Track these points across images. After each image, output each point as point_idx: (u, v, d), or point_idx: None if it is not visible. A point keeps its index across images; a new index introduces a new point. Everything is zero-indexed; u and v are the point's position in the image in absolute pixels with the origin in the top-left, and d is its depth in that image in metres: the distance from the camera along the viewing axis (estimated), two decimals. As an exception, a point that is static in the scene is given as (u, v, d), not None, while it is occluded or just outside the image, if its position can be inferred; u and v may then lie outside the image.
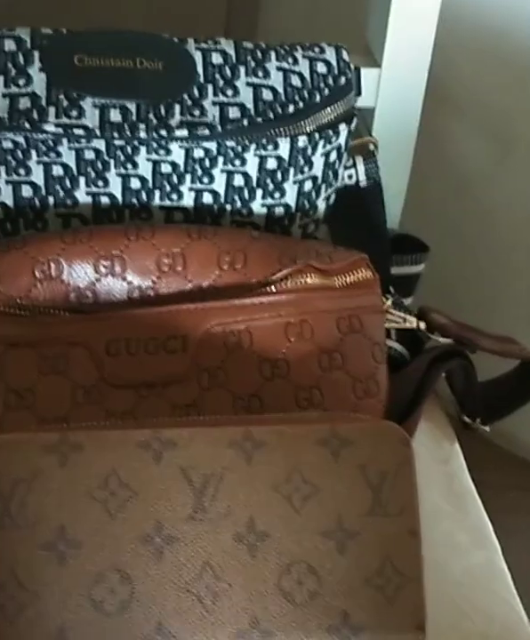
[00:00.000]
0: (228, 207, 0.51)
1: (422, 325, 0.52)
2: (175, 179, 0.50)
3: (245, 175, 0.51)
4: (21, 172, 0.49)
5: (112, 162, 0.49)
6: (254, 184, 0.51)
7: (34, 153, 0.48)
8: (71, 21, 0.50)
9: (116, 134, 0.48)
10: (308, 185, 0.52)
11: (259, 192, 0.51)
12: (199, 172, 0.50)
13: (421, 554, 0.41)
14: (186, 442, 0.39)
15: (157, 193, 0.51)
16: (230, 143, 0.49)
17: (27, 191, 0.50)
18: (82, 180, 0.50)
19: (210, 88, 0.49)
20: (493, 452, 0.92)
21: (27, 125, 0.47)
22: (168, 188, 0.50)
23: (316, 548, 0.39)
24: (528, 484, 0.92)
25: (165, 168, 0.50)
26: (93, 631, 0.37)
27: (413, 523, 0.41)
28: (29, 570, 0.38)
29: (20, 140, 0.48)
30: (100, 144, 0.48)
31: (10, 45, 0.48)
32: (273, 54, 0.50)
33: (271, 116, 0.49)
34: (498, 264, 0.85)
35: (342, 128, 0.51)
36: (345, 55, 0.51)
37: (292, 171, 0.51)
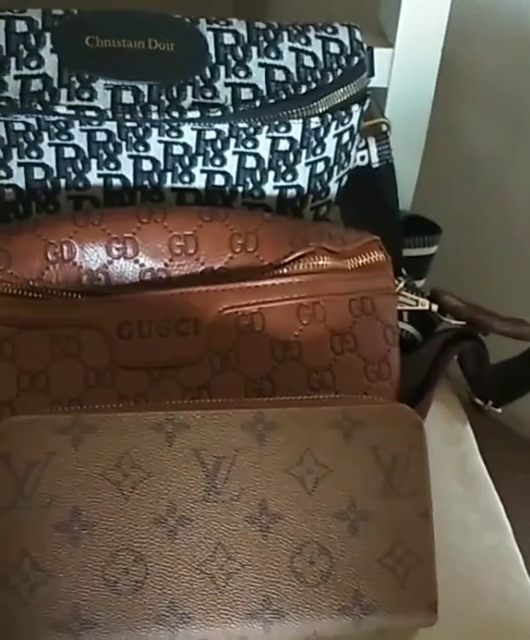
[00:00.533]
0: (240, 189, 0.51)
1: (435, 307, 0.52)
2: (187, 160, 0.50)
3: (257, 157, 0.51)
4: (33, 154, 0.49)
5: (124, 144, 0.49)
6: (266, 166, 0.51)
7: (45, 135, 0.48)
8: (82, 3, 0.50)
9: (127, 116, 0.48)
10: (320, 166, 0.52)
11: (271, 174, 0.51)
12: (211, 153, 0.50)
13: (432, 535, 0.42)
14: (198, 424, 0.40)
15: (169, 175, 0.51)
16: (242, 125, 0.49)
17: (38, 173, 0.50)
18: (94, 162, 0.50)
19: (222, 69, 0.49)
20: (504, 434, 0.92)
21: (38, 107, 0.47)
22: (180, 169, 0.51)
23: (328, 530, 0.40)
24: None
25: (177, 150, 0.50)
26: (107, 610, 0.38)
27: (424, 504, 0.42)
28: (43, 550, 0.38)
29: (32, 121, 0.48)
30: (112, 126, 0.48)
31: (21, 26, 0.48)
32: (285, 34, 0.50)
33: (283, 96, 0.49)
34: (511, 246, 0.84)
35: (355, 109, 0.51)
36: (358, 35, 0.51)
37: (304, 152, 0.51)
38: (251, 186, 0.51)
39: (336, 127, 0.51)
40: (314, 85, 0.50)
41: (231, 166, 0.51)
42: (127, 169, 0.50)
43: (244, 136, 0.50)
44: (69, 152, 0.49)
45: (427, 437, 0.42)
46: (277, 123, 0.49)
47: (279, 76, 0.49)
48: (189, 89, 0.48)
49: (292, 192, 0.52)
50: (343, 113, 0.50)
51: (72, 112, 0.47)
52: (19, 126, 0.48)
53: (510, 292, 0.82)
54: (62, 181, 0.50)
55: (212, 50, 0.49)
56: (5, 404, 0.44)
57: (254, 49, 0.49)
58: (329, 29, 0.51)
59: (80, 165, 0.50)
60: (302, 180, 0.52)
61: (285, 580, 0.39)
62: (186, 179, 0.51)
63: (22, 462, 0.39)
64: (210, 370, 0.45)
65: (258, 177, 0.51)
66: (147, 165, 0.50)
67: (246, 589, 0.39)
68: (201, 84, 0.48)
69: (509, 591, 0.45)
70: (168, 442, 0.39)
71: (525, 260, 0.84)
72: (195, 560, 0.39)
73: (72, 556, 0.38)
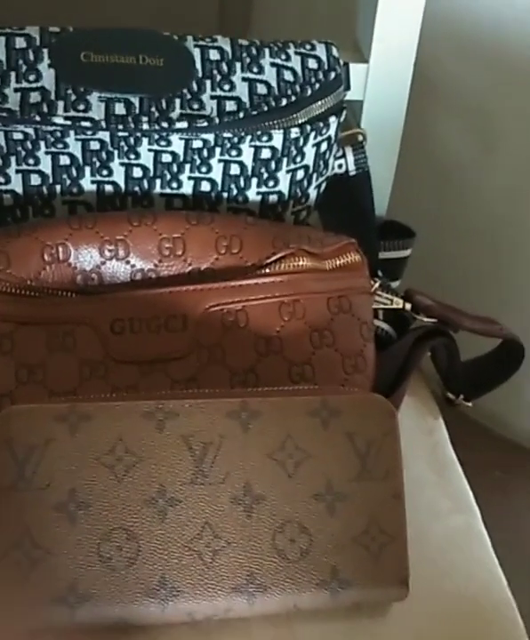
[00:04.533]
0: (225, 195, 0.53)
1: (408, 306, 0.54)
2: (175, 168, 0.52)
3: (241, 164, 0.52)
4: (30, 161, 0.50)
5: (116, 152, 0.51)
6: (249, 173, 0.52)
7: (42, 144, 0.50)
8: (70, 22, 0.51)
9: (120, 126, 0.49)
10: (300, 174, 0.54)
11: (254, 180, 0.53)
12: (198, 161, 0.51)
13: (404, 515, 0.43)
14: (187, 412, 0.41)
15: (158, 181, 0.52)
16: (227, 134, 0.50)
17: (35, 180, 0.51)
18: (87, 170, 0.51)
19: (208, 83, 0.50)
20: (477, 432, 0.93)
21: (37, 118, 0.48)
22: (168, 176, 0.52)
23: (307, 510, 0.42)
24: (512, 464, 0.93)
25: (166, 158, 0.51)
26: (102, 584, 0.40)
27: (397, 487, 0.43)
28: (42, 529, 0.40)
29: (30, 131, 0.49)
30: (105, 135, 0.50)
31: (20, 43, 0.49)
32: (267, 51, 0.51)
33: (265, 108, 0.50)
34: (481, 248, 0.86)
35: (332, 120, 0.53)
36: (335, 52, 0.52)
37: (285, 160, 0.52)
38: (235, 192, 0.53)
39: (315, 137, 0.52)
40: (294, 98, 0.51)
41: (217, 173, 0.52)
42: (119, 176, 0.51)
43: (228, 145, 0.51)
44: (65, 160, 0.51)
45: (401, 428, 0.44)
46: (259, 133, 0.51)
47: (261, 89, 0.51)
48: (178, 101, 0.50)
49: (273, 198, 0.54)
50: (321, 124, 0.52)
51: (68, 123, 0.48)
52: (17, 136, 0.49)
53: (481, 292, 0.84)
54: (58, 187, 0.51)
55: (198, 65, 0.50)
56: (6, 395, 0.45)
57: (238, 64, 0.51)
58: (308, 46, 0.52)
59: (75, 172, 0.51)
60: (283, 186, 0.53)
61: (268, 557, 0.41)
62: (174, 185, 0.52)
63: (23, 447, 0.40)
64: (197, 363, 0.47)
65: (242, 183, 0.53)
66: (137, 172, 0.52)
67: (232, 565, 0.41)
68: (188, 96, 0.50)
69: (475, 570, 0.47)
70: (158, 429, 0.41)
71: (494, 262, 0.86)
72: (183, 538, 0.40)
73: (69, 535, 0.40)
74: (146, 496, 0.41)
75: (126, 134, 0.50)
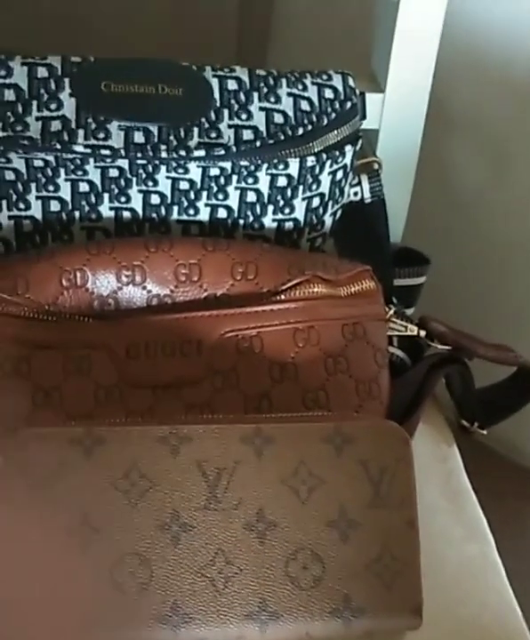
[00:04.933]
0: (241, 222, 0.53)
1: (422, 333, 0.54)
2: (192, 195, 0.52)
3: (258, 192, 0.53)
4: (50, 188, 0.51)
5: (134, 179, 0.51)
6: (266, 200, 0.53)
7: (62, 171, 0.50)
8: (87, 50, 0.52)
9: (139, 154, 0.50)
10: (315, 201, 0.54)
11: (270, 208, 0.53)
12: (215, 189, 0.52)
13: (418, 544, 0.43)
14: (201, 437, 0.41)
15: (175, 208, 0.53)
16: (244, 163, 0.51)
17: (55, 206, 0.52)
18: (106, 196, 0.52)
19: (226, 112, 0.51)
20: (492, 459, 0.92)
21: (57, 146, 0.49)
22: (185, 203, 0.53)
23: (320, 537, 0.41)
24: (527, 492, 0.93)
25: (183, 185, 0.52)
26: (113, 609, 0.39)
27: (411, 514, 0.43)
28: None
29: (51, 159, 0.50)
30: (124, 163, 0.50)
31: (42, 72, 0.50)
32: (284, 81, 0.52)
33: (282, 137, 0.51)
34: (496, 276, 0.86)
35: (348, 149, 0.53)
36: (351, 82, 0.53)
37: (301, 188, 0.53)
38: (251, 219, 0.53)
39: (331, 165, 0.53)
40: (310, 127, 0.52)
41: (233, 201, 0.53)
42: (137, 203, 0.52)
43: (245, 173, 0.52)
44: (84, 187, 0.51)
45: (415, 455, 0.44)
46: (275, 161, 0.51)
47: (278, 118, 0.51)
48: (196, 130, 0.50)
49: (289, 225, 0.54)
50: (337, 152, 0.53)
51: (88, 151, 0.49)
52: (38, 163, 0.50)
53: (496, 320, 0.84)
54: (77, 214, 0.52)
55: (217, 95, 0.51)
56: (22, 418, 0.45)
57: (256, 94, 0.51)
58: (324, 76, 0.53)
59: (93, 199, 0.52)
60: (299, 213, 0.54)
61: (280, 584, 0.41)
62: (191, 212, 0.53)
63: (37, 470, 0.40)
64: (212, 388, 0.47)
65: (258, 211, 0.53)
66: (155, 199, 0.52)
67: (244, 592, 0.40)
68: (206, 125, 0.51)
69: (490, 598, 0.46)
70: (173, 454, 0.41)
71: (509, 289, 0.86)
72: (196, 564, 0.40)
73: (82, 559, 0.39)
74: (159, 521, 0.41)
75: (145, 162, 0.51)
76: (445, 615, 0.45)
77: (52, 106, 0.50)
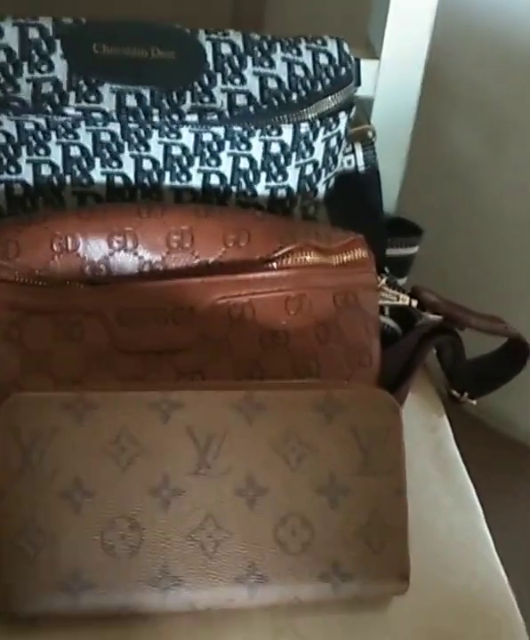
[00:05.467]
0: (234, 189, 0.53)
1: (414, 303, 0.54)
2: (185, 161, 0.52)
3: (250, 159, 0.52)
4: (41, 152, 0.51)
5: (126, 144, 0.51)
6: (259, 167, 0.53)
7: (53, 134, 0.50)
8: (84, 14, 0.51)
9: (131, 118, 0.49)
10: (309, 169, 0.54)
11: (263, 175, 0.53)
12: (207, 155, 0.52)
13: (406, 511, 0.44)
14: (192, 403, 0.42)
15: (168, 174, 0.52)
16: (237, 128, 0.51)
17: (46, 170, 0.51)
18: (97, 161, 0.51)
19: (219, 77, 0.51)
20: (482, 431, 0.93)
21: (48, 108, 0.49)
22: (178, 169, 0.52)
23: (309, 503, 0.42)
24: (517, 463, 0.94)
25: (176, 151, 0.52)
26: (105, 572, 0.40)
27: (399, 482, 0.43)
28: (47, 516, 0.40)
29: (42, 122, 0.49)
30: (116, 127, 0.50)
31: (34, 34, 0.49)
32: (278, 46, 0.52)
33: (276, 103, 0.51)
34: (489, 247, 0.86)
35: (342, 116, 0.53)
36: (346, 48, 0.53)
37: (294, 155, 0.53)
38: (244, 186, 0.53)
39: (324, 132, 0.53)
40: (304, 93, 0.51)
41: (226, 167, 0.52)
42: (129, 168, 0.52)
43: (238, 139, 0.51)
44: (75, 151, 0.51)
45: (405, 425, 0.44)
46: (269, 127, 0.51)
47: (272, 84, 0.51)
48: (189, 94, 0.50)
49: (282, 192, 0.54)
50: (331, 119, 0.52)
51: (79, 113, 0.49)
52: (29, 126, 0.50)
53: (487, 290, 0.85)
54: (68, 178, 0.52)
55: (210, 59, 0.51)
56: (12, 383, 0.45)
57: (249, 59, 0.51)
58: (319, 42, 0.52)
59: (85, 163, 0.51)
60: (292, 181, 0.54)
61: (269, 549, 0.41)
62: (183, 178, 0.53)
63: (29, 434, 0.40)
64: (203, 355, 0.47)
65: (251, 177, 0.53)
66: (147, 165, 0.52)
67: (233, 556, 0.41)
68: (199, 89, 0.50)
69: (478, 567, 0.47)
70: (163, 419, 0.41)
71: (501, 260, 0.87)
72: (186, 528, 0.41)
73: (73, 522, 0.40)
74: (150, 486, 0.41)
75: (137, 126, 0.50)
76: (434, 583, 0.46)
77: (43, 68, 0.49)
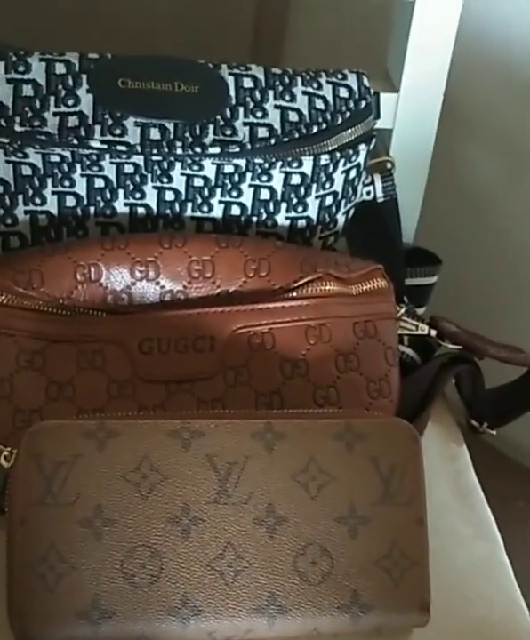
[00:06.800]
0: (255, 219, 0.54)
1: (433, 333, 0.54)
2: (206, 192, 0.53)
3: (271, 190, 0.53)
4: (66, 183, 0.52)
5: (149, 176, 0.52)
6: (279, 198, 0.53)
7: (78, 166, 0.51)
8: (104, 49, 0.52)
9: (154, 151, 0.50)
10: (329, 200, 0.54)
11: (283, 205, 0.54)
12: (229, 186, 0.53)
13: (426, 541, 0.43)
14: (212, 432, 0.42)
15: (189, 205, 0.53)
16: (258, 160, 0.51)
17: (70, 201, 0.52)
18: (121, 192, 0.52)
19: (241, 110, 0.51)
20: (502, 462, 0.92)
21: (74, 141, 0.50)
22: (199, 200, 0.53)
23: (329, 533, 0.42)
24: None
25: (198, 182, 0.52)
26: (124, 601, 0.40)
27: (420, 512, 0.43)
28: (68, 543, 0.40)
29: (67, 154, 0.50)
30: (139, 159, 0.51)
31: (60, 69, 0.50)
32: (299, 79, 0.52)
33: (296, 135, 0.52)
34: (507, 277, 0.86)
35: (362, 148, 0.54)
36: (366, 81, 0.53)
37: (314, 186, 0.53)
38: (264, 216, 0.54)
39: (344, 164, 0.53)
40: (324, 126, 0.52)
41: (247, 198, 0.53)
42: (151, 199, 0.53)
43: (259, 170, 0.52)
44: (99, 182, 0.52)
45: (424, 454, 0.44)
46: (289, 159, 0.52)
47: (293, 117, 0.52)
48: (211, 127, 0.51)
49: (302, 223, 0.54)
50: (351, 151, 0.53)
51: (104, 146, 0.50)
52: (54, 158, 0.51)
53: (507, 321, 0.84)
54: (92, 209, 0.52)
55: (232, 92, 0.51)
56: (36, 411, 0.46)
57: (271, 92, 0.52)
58: (339, 75, 0.53)
59: (109, 195, 0.52)
60: (312, 211, 0.54)
61: (289, 579, 0.41)
62: (205, 209, 0.53)
63: (51, 462, 0.41)
64: (224, 384, 0.47)
65: (271, 208, 0.54)
66: (169, 196, 0.53)
67: (253, 586, 0.41)
68: (222, 123, 0.51)
69: (498, 598, 0.47)
70: (184, 448, 0.41)
71: (520, 290, 0.86)
72: (206, 557, 0.41)
73: (94, 550, 0.40)
74: (170, 514, 0.41)
75: (160, 158, 0.51)
76: (453, 613, 0.45)
77: (70, 102, 0.50)
